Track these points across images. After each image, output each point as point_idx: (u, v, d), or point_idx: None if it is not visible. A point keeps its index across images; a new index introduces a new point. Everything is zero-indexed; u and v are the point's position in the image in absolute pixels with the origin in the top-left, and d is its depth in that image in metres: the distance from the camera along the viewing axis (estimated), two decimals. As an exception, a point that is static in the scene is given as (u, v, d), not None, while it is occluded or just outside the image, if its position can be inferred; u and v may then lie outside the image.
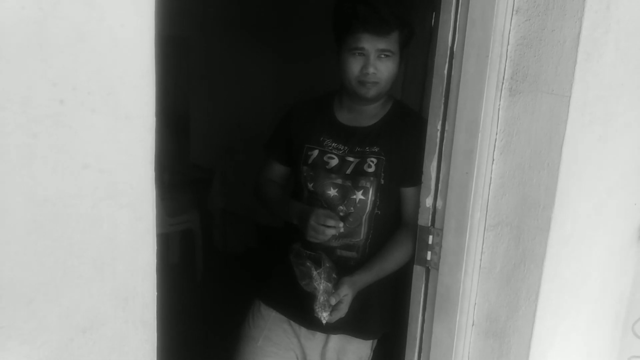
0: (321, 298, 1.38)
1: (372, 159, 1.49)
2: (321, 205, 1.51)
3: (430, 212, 1.33)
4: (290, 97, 1.81)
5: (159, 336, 0.73)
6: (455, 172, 1.26)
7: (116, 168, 0.63)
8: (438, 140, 1.29)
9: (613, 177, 1.42)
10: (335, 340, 1.59)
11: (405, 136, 1.51)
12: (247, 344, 1.64)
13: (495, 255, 1.26)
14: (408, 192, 1.52)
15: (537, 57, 1.14)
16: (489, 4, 1.15)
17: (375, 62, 1.42)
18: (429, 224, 1.34)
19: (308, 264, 1.41)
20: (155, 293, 0.70)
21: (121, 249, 0.66)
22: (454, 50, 1.23)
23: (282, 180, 1.71)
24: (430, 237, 1.33)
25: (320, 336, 1.59)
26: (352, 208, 1.50)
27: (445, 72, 1.25)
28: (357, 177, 1.49)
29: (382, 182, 1.49)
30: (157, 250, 0.71)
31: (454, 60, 1.23)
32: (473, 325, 1.32)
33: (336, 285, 1.40)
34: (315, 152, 1.53)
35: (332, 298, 1.37)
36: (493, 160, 1.23)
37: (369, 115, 1.55)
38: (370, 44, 1.41)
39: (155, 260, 0.69)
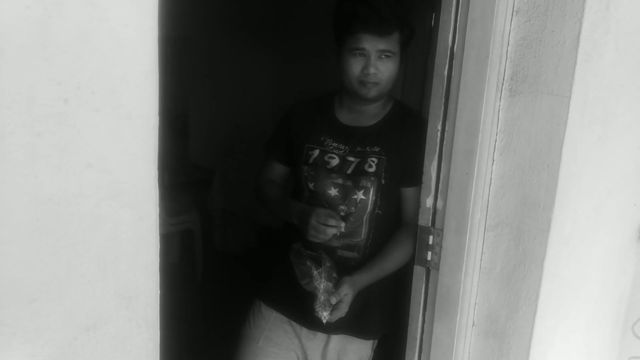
0: (322, 297, 1.38)
1: (373, 159, 1.49)
2: (322, 205, 1.51)
3: (431, 213, 1.34)
4: (291, 97, 1.81)
5: (162, 335, 0.74)
6: (455, 173, 1.26)
7: (119, 167, 0.64)
8: (438, 140, 1.29)
9: (613, 177, 1.42)
10: (336, 340, 1.59)
11: (406, 136, 1.51)
12: (248, 344, 1.64)
13: (496, 255, 1.27)
14: (408, 192, 1.52)
15: (537, 57, 1.14)
16: (489, 5, 1.15)
17: (376, 63, 1.42)
18: (429, 224, 1.34)
19: (308, 263, 1.41)
20: (158, 292, 0.70)
21: (124, 248, 0.66)
22: (454, 50, 1.23)
23: (282, 180, 1.71)
24: (431, 237, 1.34)
25: (321, 336, 1.59)
26: (353, 208, 1.50)
27: (446, 72, 1.25)
28: (357, 177, 1.49)
29: (383, 182, 1.50)
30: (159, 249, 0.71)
31: (454, 60, 1.24)
32: (473, 325, 1.33)
33: (336, 285, 1.41)
34: (316, 152, 1.54)
35: (333, 297, 1.37)
36: (493, 160, 1.23)
37: (370, 115, 1.55)
38: (371, 45, 1.41)
39: (158, 259, 0.70)
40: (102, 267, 0.65)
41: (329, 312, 1.38)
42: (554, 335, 1.35)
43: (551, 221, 1.17)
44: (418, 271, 1.39)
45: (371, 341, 1.64)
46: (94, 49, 0.59)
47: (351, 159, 1.51)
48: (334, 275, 1.42)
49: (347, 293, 1.40)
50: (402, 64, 1.50)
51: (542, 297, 1.21)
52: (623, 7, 1.20)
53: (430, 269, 1.36)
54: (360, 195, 1.50)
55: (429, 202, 1.33)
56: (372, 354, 1.66)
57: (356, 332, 1.58)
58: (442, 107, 1.27)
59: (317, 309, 1.38)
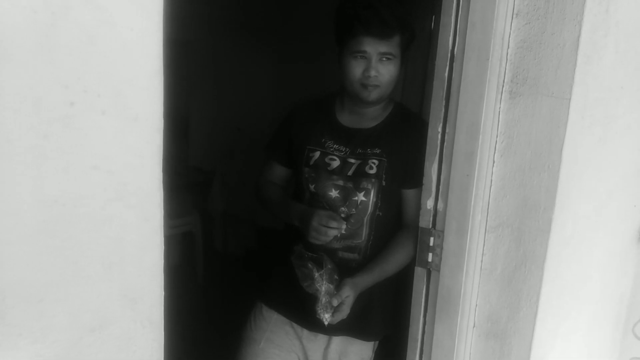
0: (323, 299, 1.38)
1: (374, 161, 1.50)
2: (323, 206, 1.51)
3: (431, 214, 1.34)
4: (291, 100, 1.82)
5: (165, 336, 0.74)
6: (456, 174, 1.26)
7: (125, 169, 0.64)
8: (439, 142, 1.30)
9: (613, 178, 1.43)
10: (337, 341, 1.59)
11: (407, 138, 1.52)
12: (249, 346, 1.64)
13: (496, 256, 1.27)
14: (409, 194, 1.53)
15: (537, 60, 1.15)
16: (489, 8, 1.16)
17: (377, 65, 1.43)
18: (430, 226, 1.35)
19: (310, 265, 1.41)
20: (163, 293, 0.71)
21: (129, 249, 0.67)
22: (455, 53, 1.24)
23: (282, 182, 1.72)
24: (432, 238, 1.34)
25: (322, 338, 1.59)
26: (353, 209, 1.51)
27: (446, 74, 1.26)
28: (358, 178, 1.50)
29: (384, 183, 1.50)
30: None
31: (454, 63, 1.24)
32: (474, 326, 1.33)
33: (338, 287, 1.41)
34: (317, 154, 1.54)
35: (334, 299, 1.38)
36: (494, 162, 1.24)
37: (370, 117, 1.56)
38: (372, 47, 1.42)
39: (163, 261, 0.70)
40: (107, 268, 0.65)
41: (330, 314, 1.38)
42: (555, 336, 1.35)
43: (552, 222, 1.18)
44: (419, 272, 1.39)
45: (372, 342, 1.64)
46: (100, 53, 0.60)
47: (352, 160, 1.51)
48: (335, 277, 1.42)
49: (348, 295, 1.40)
50: (402, 66, 1.50)
51: (542, 298, 1.22)
52: (623, 9, 1.20)
53: (431, 271, 1.36)
54: (361, 196, 1.50)
55: (429, 203, 1.34)
56: (373, 355, 1.66)
57: (357, 333, 1.59)
58: (443, 109, 1.28)
59: (319, 311, 1.38)
